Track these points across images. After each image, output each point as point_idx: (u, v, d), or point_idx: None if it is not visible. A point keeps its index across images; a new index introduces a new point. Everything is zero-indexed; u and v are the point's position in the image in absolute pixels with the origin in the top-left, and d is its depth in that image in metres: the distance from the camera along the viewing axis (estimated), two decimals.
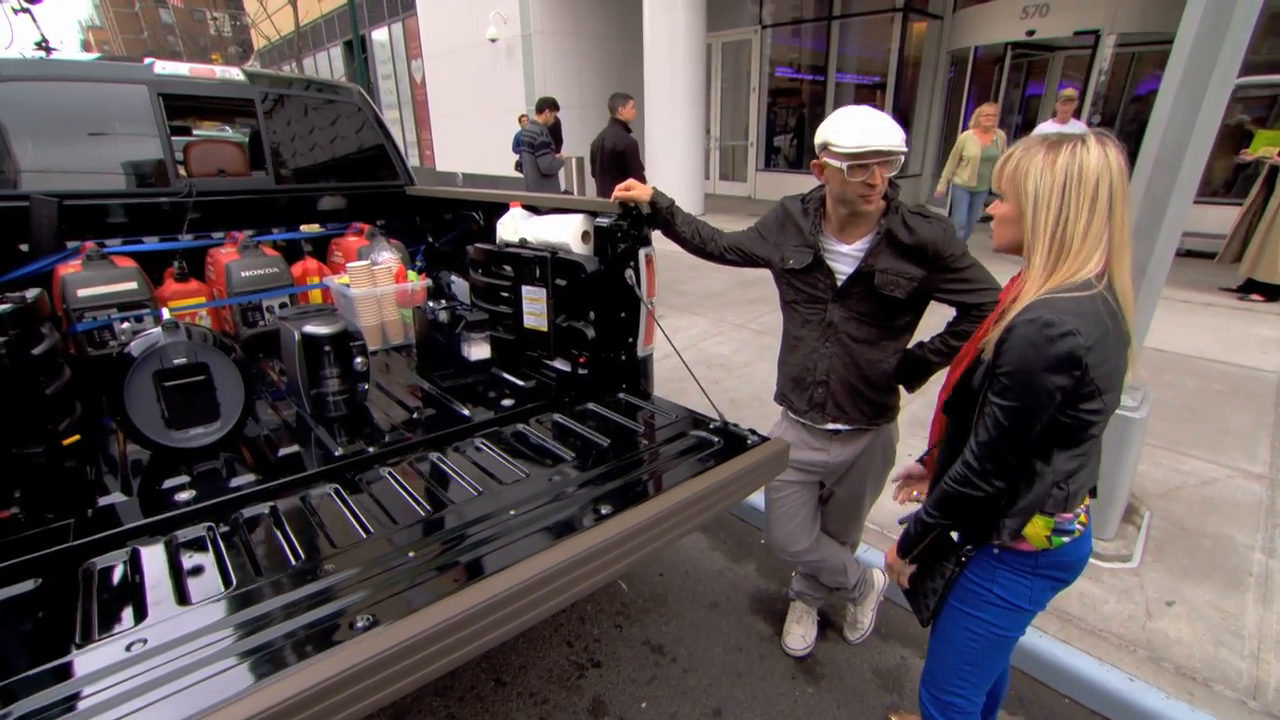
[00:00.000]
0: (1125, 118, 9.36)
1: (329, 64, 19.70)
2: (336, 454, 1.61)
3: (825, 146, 1.53)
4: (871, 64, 11.30)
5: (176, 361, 1.53)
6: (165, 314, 1.53)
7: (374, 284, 2.47)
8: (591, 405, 1.93)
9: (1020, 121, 11.15)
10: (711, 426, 1.73)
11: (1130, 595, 2.23)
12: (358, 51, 12.13)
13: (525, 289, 2.16)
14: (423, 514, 1.35)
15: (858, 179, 1.50)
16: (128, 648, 0.97)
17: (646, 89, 9.79)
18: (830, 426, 1.79)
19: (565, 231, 2.08)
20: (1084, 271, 1.06)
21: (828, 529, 2.04)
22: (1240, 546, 2.49)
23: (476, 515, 1.34)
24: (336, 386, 1.81)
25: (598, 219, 2.02)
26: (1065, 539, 1.20)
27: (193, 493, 1.40)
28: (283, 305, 2.52)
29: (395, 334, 2.58)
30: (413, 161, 18.25)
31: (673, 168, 9.49)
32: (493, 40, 12.73)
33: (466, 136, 14.70)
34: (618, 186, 1.93)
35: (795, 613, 2.21)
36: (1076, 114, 6.52)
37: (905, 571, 1.39)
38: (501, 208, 2.40)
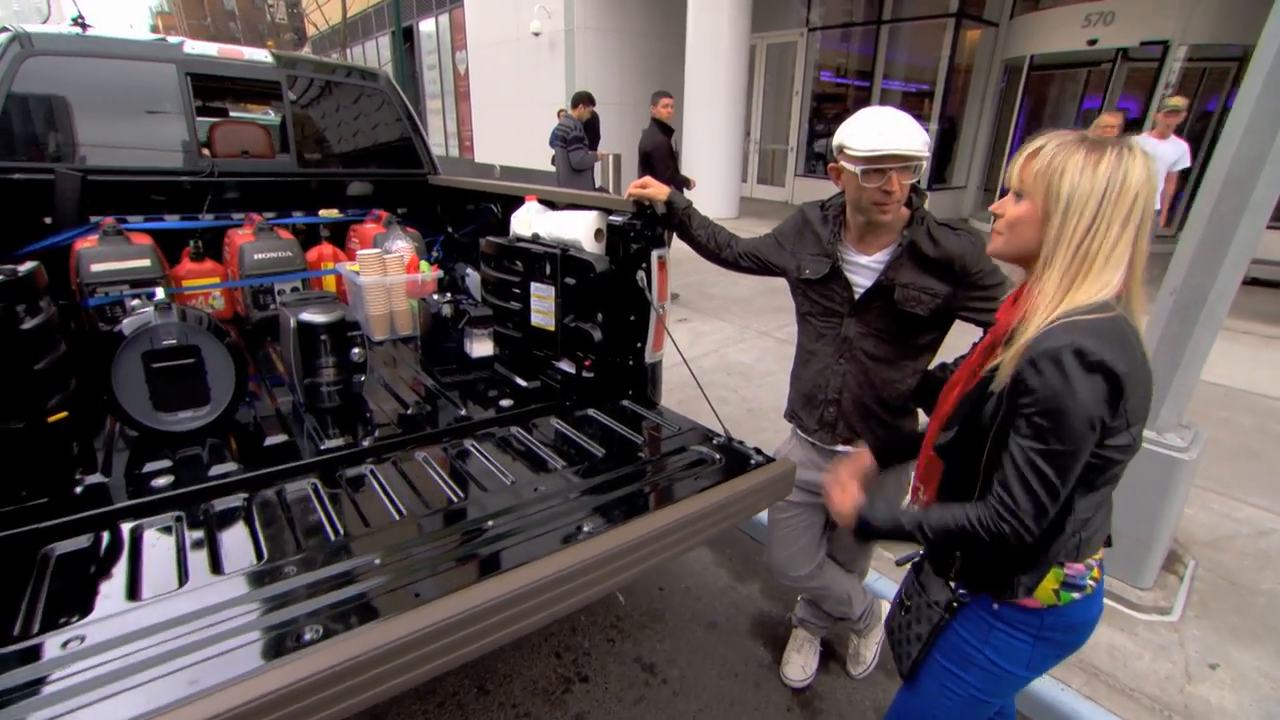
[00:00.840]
0: (1189, 135, 8.90)
1: (376, 53, 20.03)
2: (321, 447, 1.56)
3: (841, 149, 1.42)
4: (920, 71, 10.98)
5: (166, 343, 1.50)
6: (159, 293, 1.50)
7: (384, 273, 2.42)
8: (592, 411, 1.84)
9: None
10: (715, 443, 1.63)
11: (1168, 652, 2.05)
12: (399, 41, 12.27)
13: (534, 286, 2.09)
14: (398, 517, 1.29)
15: (873, 185, 1.38)
16: (63, 645, 0.92)
17: (686, 88, 9.67)
18: (840, 448, 1.67)
19: (578, 228, 2.00)
20: (1103, 293, 0.94)
21: (834, 555, 1.92)
22: None
23: (452, 524, 1.27)
24: (332, 377, 1.76)
25: (611, 217, 1.93)
26: (1075, 595, 1.06)
27: (170, 479, 1.36)
28: (294, 289, 2.50)
29: (404, 324, 2.54)
30: (453, 152, 18.46)
31: (710, 169, 9.35)
32: (536, 34, 12.76)
33: (507, 129, 14.78)
34: (632, 184, 1.84)
35: (796, 641, 2.09)
36: (1179, 131, 5.66)
37: (847, 518, 1.23)
38: (520, 201, 2.34)
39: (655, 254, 1.86)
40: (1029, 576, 1.06)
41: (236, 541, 1.19)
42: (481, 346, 2.07)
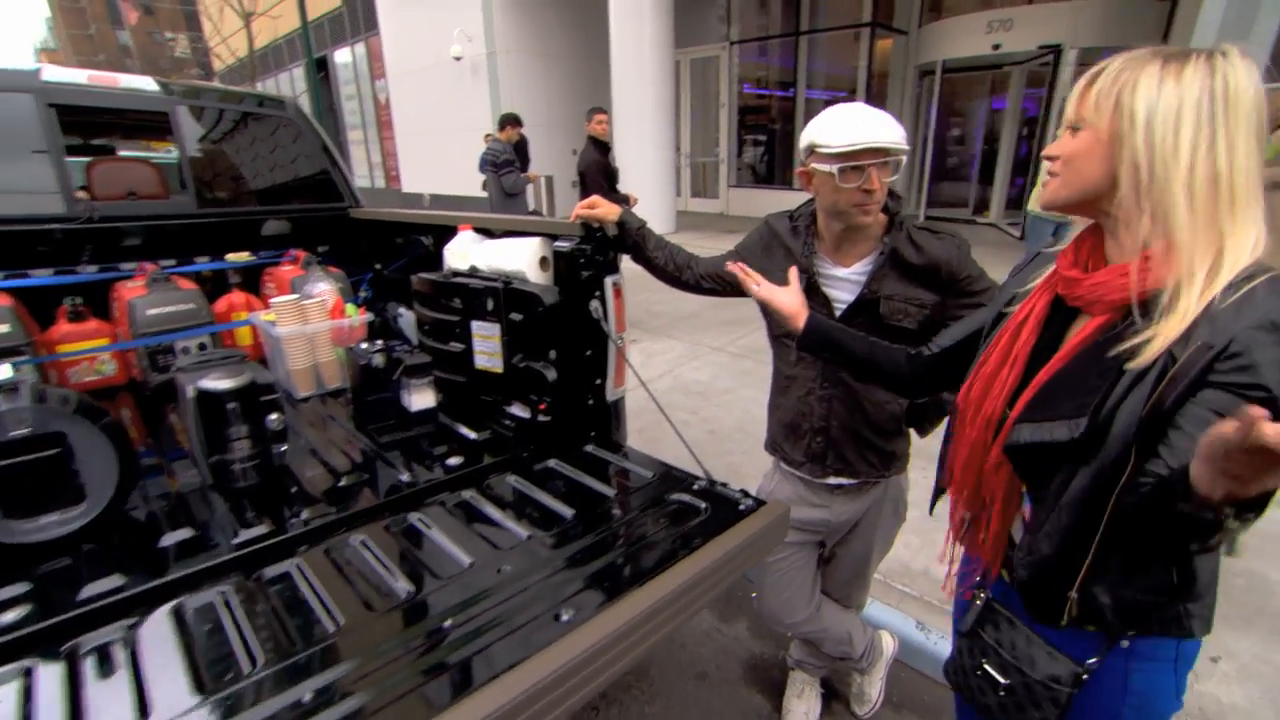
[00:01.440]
0: None
1: (291, 85, 19.27)
2: (234, 541, 1.29)
3: (812, 149, 1.29)
4: (841, 79, 11.32)
5: (16, 433, 1.21)
6: (6, 371, 1.22)
7: (304, 320, 2.15)
8: (554, 463, 1.64)
9: (982, 136, 11.23)
10: (696, 488, 1.45)
11: None
12: (312, 72, 11.78)
13: (475, 325, 1.88)
14: (333, 629, 1.05)
15: (851, 184, 1.25)
16: None
17: (615, 107, 9.65)
18: (832, 481, 1.53)
19: (520, 257, 1.81)
20: (1259, 248, 0.73)
21: (830, 593, 1.77)
22: (1277, 586, 2.28)
23: (405, 630, 1.04)
24: (245, 451, 1.50)
25: (557, 243, 1.75)
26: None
27: (22, 611, 1.08)
28: (201, 346, 2.19)
29: (332, 377, 2.26)
30: (379, 183, 17.88)
31: (643, 185, 9.30)
32: (457, 59, 12.50)
33: (433, 157, 14.40)
34: (579, 204, 1.67)
35: (795, 685, 1.93)
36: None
37: None
38: (452, 231, 2.12)
39: (609, 281, 1.69)
40: (1199, 605, 0.85)
41: (111, 696, 0.92)
42: (421, 398, 1.83)
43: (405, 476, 1.60)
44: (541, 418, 1.82)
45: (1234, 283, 0.72)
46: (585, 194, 4.77)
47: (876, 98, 11.27)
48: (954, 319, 1.37)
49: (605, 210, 1.64)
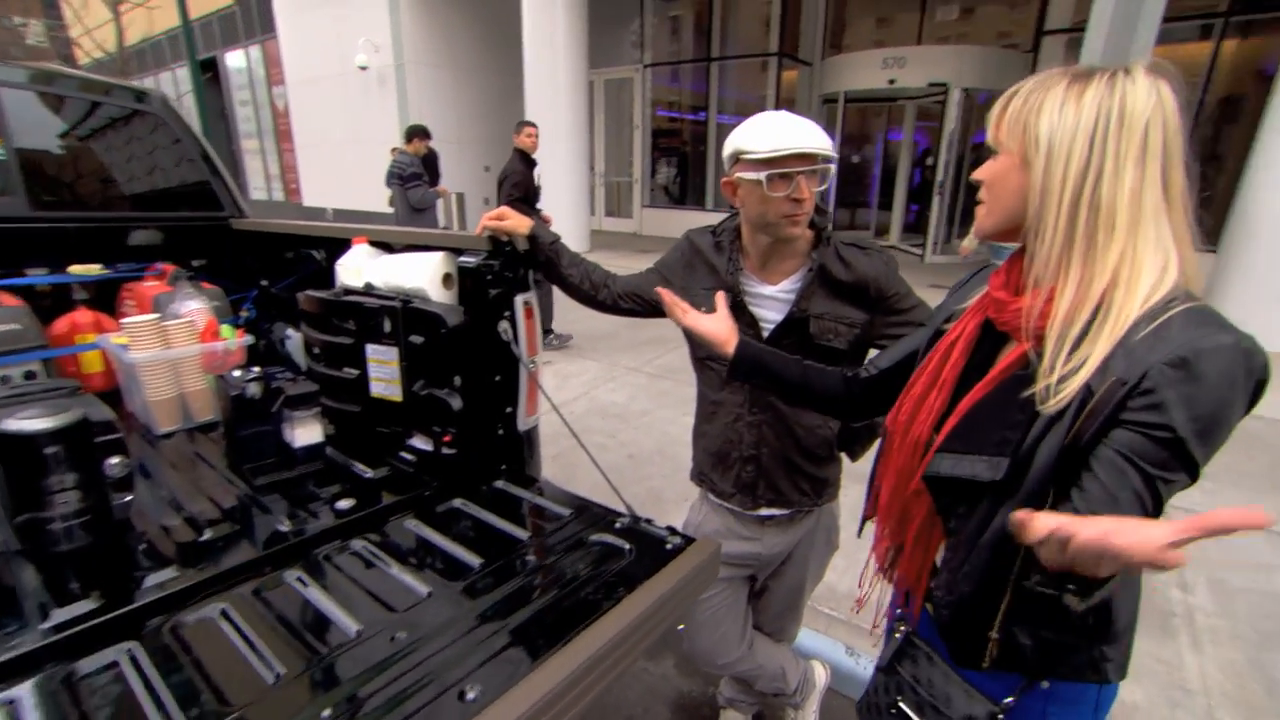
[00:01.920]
0: (971, 160, 10.23)
1: (174, 86, 17.80)
2: (45, 625, 1.04)
3: (737, 157, 1.22)
4: (750, 105, 11.71)
5: None
6: None
7: (165, 344, 1.87)
8: (459, 503, 1.47)
9: (880, 164, 11.95)
10: (619, 526, 1.32)
11: None
12: (195, 73, 10.91)
13: (370, 348, 1.68)
14: None
15: (780, 193, 1.18)
16: None
17: None
18: (764, 512, 1.45)
19: (421, 274, 1.63)
20: (1168, 277, 0.71)
21: (761, 627, 1.68)
22: (1152, 582, 2.41)
23: None
24: (72, 505, 1.23)
25: (462, 258, 1.59)
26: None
27: None
28: (29, 375, 1.85)
29: (202, 409, 1.98)
30: (277, 196, 16.76)
31: (558, 204, 9.20)
32: (363, 68, 11.97)
33: (339, 169, 13.67)
34: (485, 215, 1.52)
35: None
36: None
37: None
38: (346, 245, 1.91)
39: (520, 299, 1.55)
40: (1115, 649, 0.82)
41: None
42: (307, 432, 1.61)
43: (285, 525, 1.38)
44: (446, 451, 1.64)
45: (1153, 311, 0.70)
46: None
47: None
48: (883, 338, 1.33)
49: (515, 222, 1.51)
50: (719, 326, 1.20)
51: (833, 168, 1.22)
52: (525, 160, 5.08)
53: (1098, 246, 0.72)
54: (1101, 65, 0.75)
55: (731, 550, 1.48)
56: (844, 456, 1.49)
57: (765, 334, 1.35)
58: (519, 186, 4.93)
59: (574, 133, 9.56)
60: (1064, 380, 0.72)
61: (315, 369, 1.82)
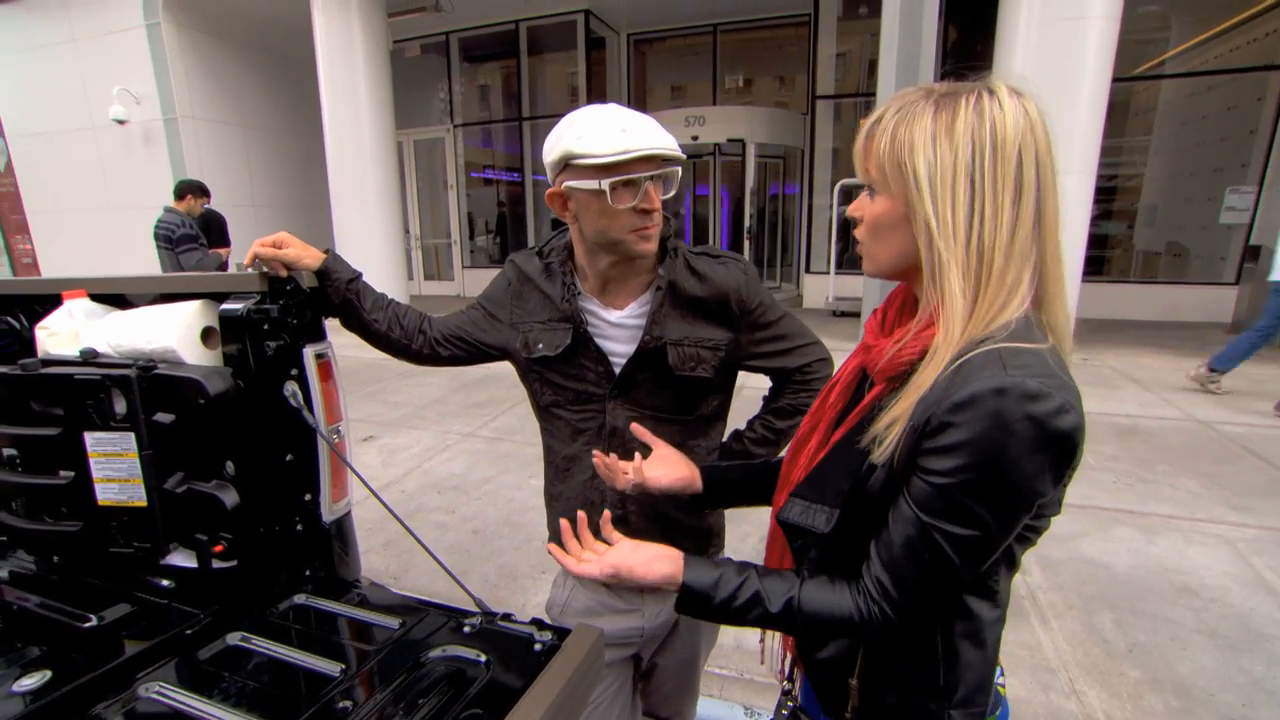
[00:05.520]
0: (770, 210, 11.31)
1: None
2: None
3: (567, 163, 1.01)
4: None
5: None
6: None
7: None
8: (238, 639, 1.05)
9: (689, 220, 12.76)
10: (468, 629, 1.02)
11: None
12: None
13: (92, 438, 1.21)
14: None
15: (626, 203, 1.00)
16: None
17: (332, 186, 8.87)
18: None
19: (168, 330, 1.22)
20: (1013, 304, 0.68)
21: (655, 713, 1.43)
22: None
23: None
24: None
25: (225, 305, 1.21)
26: None
27: None
28: None
29: None
30: (2, 273, 13.69)
31: (372, 268, 8.39)
32: (120, 122, 10.33)
33: (95, 238, 11.53)
34: (258, 241, 1.17)
35: None
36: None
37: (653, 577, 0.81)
38: (55, 303, 1.42)
39: (310, 351, 1.21)
40: (964, 714, 0.77)
41: None
42: None
43: None
44: (219, 564, 1.21)
45: (960, 353, 0.67)
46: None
47: None
48: (751, 357, 1.20)
49: (297, 252, 1.17)
50: (672, 470, 1.05)
51: (679, 170, 1.07)
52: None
53: (981, 286, 0.68)
54: (962, 85, 0.72)
55: (610, 629, 1.22)
56: None
57: (616, 370, 1.15)
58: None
59: (384, 195, 9.00)
60: (889, 427, 0.70)
61: (0, 478, 1.28)
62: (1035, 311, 0.70)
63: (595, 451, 1.05)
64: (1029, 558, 2.70)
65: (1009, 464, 0.62)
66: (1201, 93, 8.97)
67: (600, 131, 0.99)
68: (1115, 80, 6.03)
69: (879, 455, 0.70)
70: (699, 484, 1.05)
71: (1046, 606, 2.40)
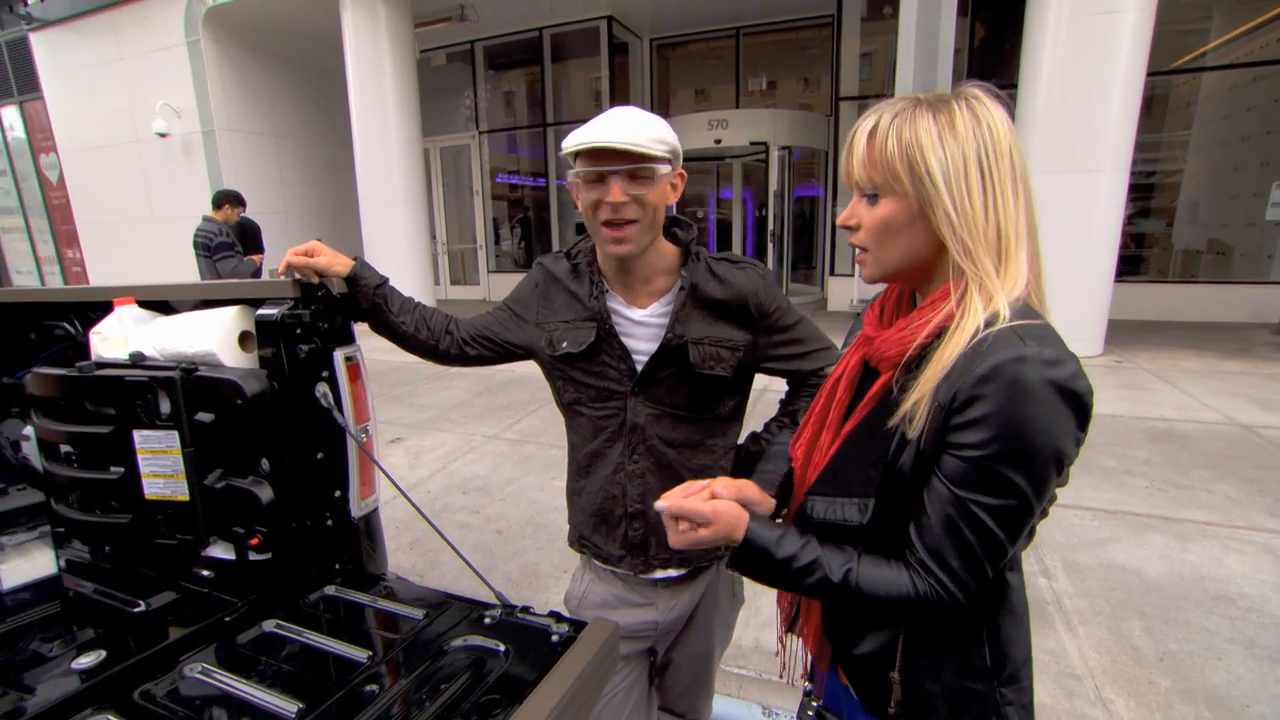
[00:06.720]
0: (795, 212, 11.24)
1: None
2: None
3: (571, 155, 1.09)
4: None
5: None
6: None
7: None
8: (273, 625, 1.11)
9: (712, 223, 12.75)
10: (489, 621, 1.06)
11: None
12: None
13: (140, 435, 1.29)
14: None
15: (591, 195, 1.04)
16: None
17: (361, 194, 9.09)
18: (660, 575, 1.25)
19: (208, 334, 1.29)
20: (1022, 281, 0.73)
21: (671, 708, 1.46)
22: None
23: None
24: None
25: (262, 310, 1.28)
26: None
27: None
28: None
29: None
30: (55, 282, 14.30)
31: (400, 274, 8.67)
32: (162, 135, 10.73)
33: (138, 247, 11.98)
34: (291, 250, 1.23)
35: None
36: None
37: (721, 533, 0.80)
38: (106, 310, 1.51)
39: (340, 354, 1.27)
40: (1014, 690, 0.79)
41: None
42: (22, 564, 1.16)
43: None
44: (255, 556, 1.27)
45: (978, 330, 0.71)
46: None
47: None
48: (768, 360, 1.23)
49: (328, 260, 1.23)
50: (729, 507, 0.83)
51: (664, 169, 1.06)
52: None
53: (1003, 269, 0.73)
54: (943, 93, 0.76)
55: (625, 622, 1.26)
56: None
57: (639, 367, 1.19)
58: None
59: (411, 202, 9.21)
60: (916, 404, 0.72)
61: (58, 473, 1.37)
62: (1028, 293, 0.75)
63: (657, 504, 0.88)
64: (1054, 563, 2.66)
65: (1037, 427, 0.65)
66: (1246, 84, 8.66)
67: (586, 126, 1.04)
68: (1151, 74, 5.87)
69: (913, 431, 0.72)
70: (741, 532, 0.84)
71: (1073, 612, 2.36)
